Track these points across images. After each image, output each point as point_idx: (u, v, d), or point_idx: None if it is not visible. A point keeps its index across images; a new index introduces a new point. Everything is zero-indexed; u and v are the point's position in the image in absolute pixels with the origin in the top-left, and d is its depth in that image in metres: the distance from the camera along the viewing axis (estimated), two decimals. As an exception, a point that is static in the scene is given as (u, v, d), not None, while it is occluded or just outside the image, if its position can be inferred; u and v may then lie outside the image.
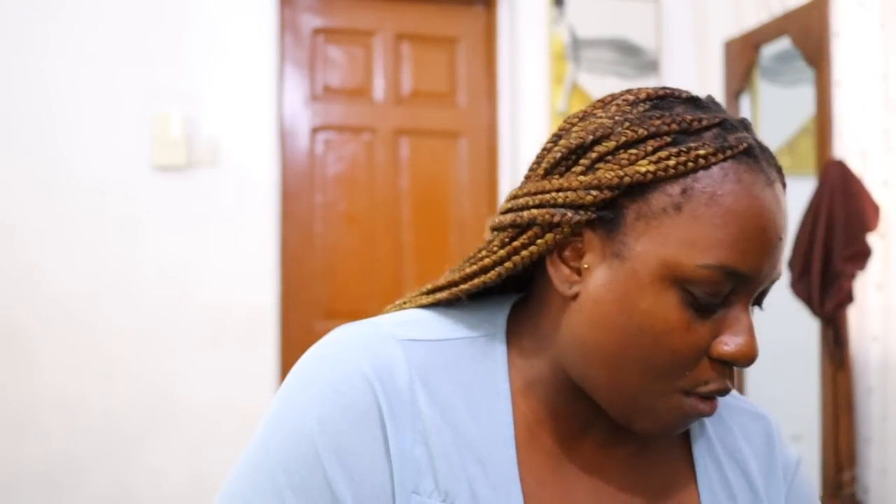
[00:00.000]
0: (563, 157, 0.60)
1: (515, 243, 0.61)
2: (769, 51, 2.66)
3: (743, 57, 2.67)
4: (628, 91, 0.62)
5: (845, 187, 2.14)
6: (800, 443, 2.75)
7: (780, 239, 0.58)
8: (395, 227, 2.84)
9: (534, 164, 0.64)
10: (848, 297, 2.14)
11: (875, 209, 2.12)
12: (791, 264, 2.28)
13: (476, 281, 0.64)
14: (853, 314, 2.20)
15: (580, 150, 0.60)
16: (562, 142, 0.61)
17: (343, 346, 0.62)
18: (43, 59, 2.46)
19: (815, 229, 2.18)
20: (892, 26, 2.12)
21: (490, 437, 0.61)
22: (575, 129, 0.61)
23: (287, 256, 2.73)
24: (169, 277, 2.52)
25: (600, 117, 0.60)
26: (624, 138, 0.58)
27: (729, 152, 0.57)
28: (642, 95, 0.61)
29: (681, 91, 0.62)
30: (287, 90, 2.78)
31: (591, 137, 0.59)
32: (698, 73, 2.99)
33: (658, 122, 0.58)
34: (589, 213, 0.58)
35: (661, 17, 3.00)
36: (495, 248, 0.63)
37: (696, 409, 0.59)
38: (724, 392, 0.59)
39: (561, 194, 0.59)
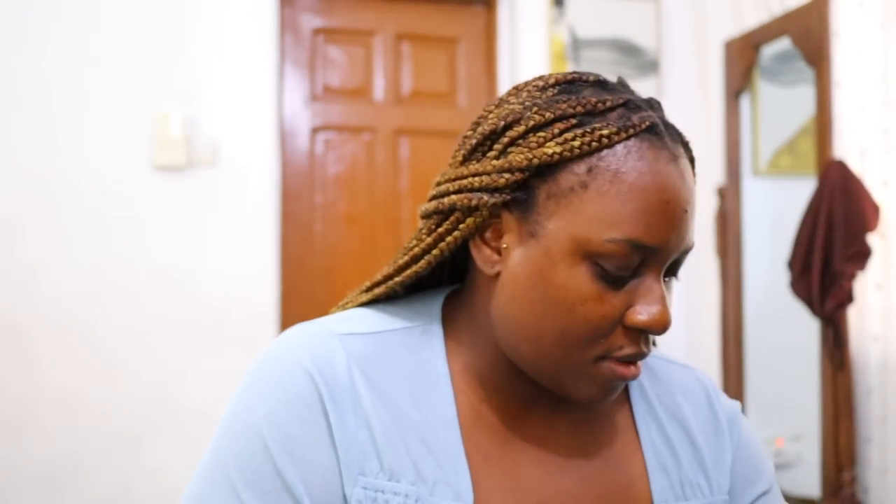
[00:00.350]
0: (478, 143, 0.64)
1: (440, 230, 0.65)
2: (769, 51, 2.66)
3: (743, 57, 2.67)
4: (539, 77, 0.66)
5: (845, 187, 2.14)
6: (800, 443, 2.75)
7: (685, 211, 0.61)
8: (395, 227, 2.84)
9: (455, 151, 0.67)
10: (848, 298, 2.14)
11: (875, 209, 2.12)
12: (791, 264, 2.28)
13: (408, 271, 0.68)
14: (853, 314, 2.20)
15: (493, 135, 0.63)
16: (479, 129, 0.65)
17: (285, 346, 0.65)
18: (43, 59, 2.46)
19: (815, 229, 2.18)
20: (892, 26, 2.12)
21: (433, 419, 0.64)
22: (490, 115, 0.65)
23: (287, 256, 2.73)
24: (169, 277, 2.52)
25: (512, 103, 0.64)
26: (532, 122, 0.62)
27: (632, 131, 0.60)
28: (551, 81, 0.64)
29: (589, 74, 0.65)
30: (287, 90, 2.78)
31: (502, 123, 0.63)
32: (698, 73, 2.99)
33: (564, 105, 0.61)
34: (503, 196, 0.62)
35: (661, 17, 3.00)
36: (423, 237, 0.67)
37: (618, 374, 0.62)
38: (640, 356, 0.62)
39: (477, 179, 0.63)
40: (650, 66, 2.97)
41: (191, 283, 2.53)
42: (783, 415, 2.79)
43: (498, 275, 0.64)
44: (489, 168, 0.62)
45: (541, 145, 0.61)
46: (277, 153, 2.69)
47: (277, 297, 2.65)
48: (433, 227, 0.66)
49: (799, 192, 2.37)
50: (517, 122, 0.62)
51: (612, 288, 0.60)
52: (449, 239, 0.65)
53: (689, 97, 3.01)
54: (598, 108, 0.61)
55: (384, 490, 0.61)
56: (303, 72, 2.81)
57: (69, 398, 2.43)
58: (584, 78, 0.64)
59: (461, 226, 0.64)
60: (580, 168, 0.60)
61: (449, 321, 0.70)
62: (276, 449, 0.61)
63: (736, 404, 0.78)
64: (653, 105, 0.64)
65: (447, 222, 0.65)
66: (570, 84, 0.64)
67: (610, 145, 0.60)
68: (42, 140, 2.46)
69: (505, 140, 0.62)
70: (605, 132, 0.60)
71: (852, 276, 2.13)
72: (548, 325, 0.61)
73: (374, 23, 2.86)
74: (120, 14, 2.51)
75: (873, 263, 2.15)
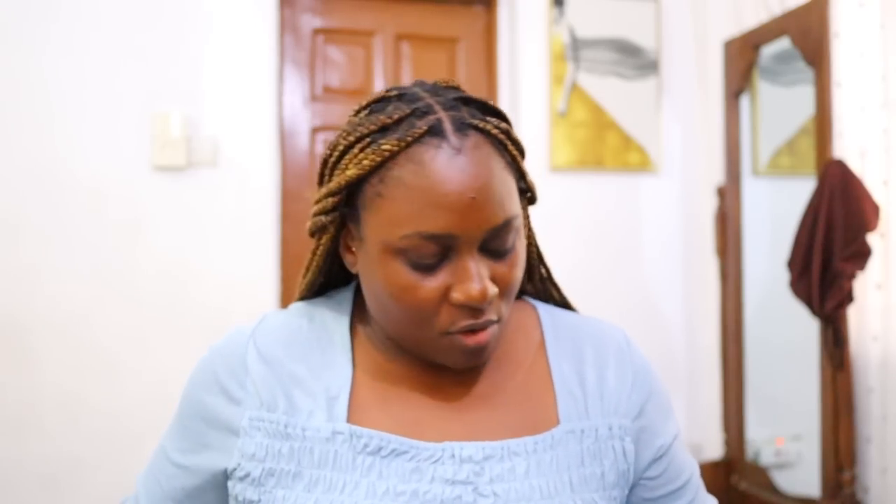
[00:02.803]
0: (321, 171, 0.78)
1: (314, 247, 0.81)
2: (769, 51, 2.66)
3: (743, 57, 2.67)
4: (363, 102, 0.77)
5: (845, 187, 2.14)
6: (800, 442, 2.75)
7: (473, 199, 0.69)
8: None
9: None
10: (848, 297, 2.14)
11: (875, 209, 2.12)
12: (791, 264, 2.28)
13: (306, 280, 0.85)
14: (853, 314, 2.20)
15: (325, 163, 0.77)
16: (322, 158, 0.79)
17: (214, 347, 0.85)
18: (43, 59, 2.46)
19: (815, 229, 2.18)
20: (891, 26, 2.13)
21: (321, 369, 0.78)
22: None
23: (287, 256, 2.74)
24: (169, 277, 2.52)
25: (340, 129, 0.76)
26: (341, 147, 0.74)
27: (410, 138, 0.69)
28: (364, 103, 0.76)
29: (398, 89, 0.75)
30: (287, 90, 2.78)
31: (327, 152, 0.76)
32: (698, 73, 2.99)
33: (363, 127, 0.72)
34: (335, 214, 0.75)
35: (660, 17, 3.00)
36: (311, 255, 0.83)
37: (466, 343, 0.72)
38: (476, 326, 0.72)
39: (317, 205, 0.77)
40: (650, 66, 2.97)
41: (191, 283, 2.53)
42: (783, 414, 2.79)
43: (359, 273, 0.77)
44: (320, 195, 0.76)
45: (347, 167, 0.72)
46: (277, 153, 2.70)
47: (277, 297, 2.65)
48: (313, 248, 0.82)
49: (798, 192, 2.37)
50: (334, 149, 0.75)
51: (425, 274, 0.70)
52: (319, 253, 0.81)
53: (689, 97, 3.01)
54: (387, 124, 0.71)
55: (263, 419, 0.75)
56: (303, 72, 2.81)
57: (69, 398, 2.43)
58: (388, 95, 0.75)
59: (321, 242, 0.79)
60: (375, 180, 0.71)
61: (358, 304, 0.84)
62: (186, 408, 0.82)
63: (648, 360, 0.87)
64: (448, 104, 0.72)
65: (315, 241, 0.80)
66: (377, 103, 0.75)
67: (393, 156, 0.70)
68: (42, 140, 2.46)
69: (329, 166, 0.76)
70: (387, 147, 0.70)
71: (852, 276, 2.13)
72: (391, 314, 0.73)
73: (374, 23, 2.86)
74: (120, 14, 2.51)
75: (873, 263, 2.15)
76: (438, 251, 0.70)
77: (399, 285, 0.71)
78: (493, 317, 0.73)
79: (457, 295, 0.70)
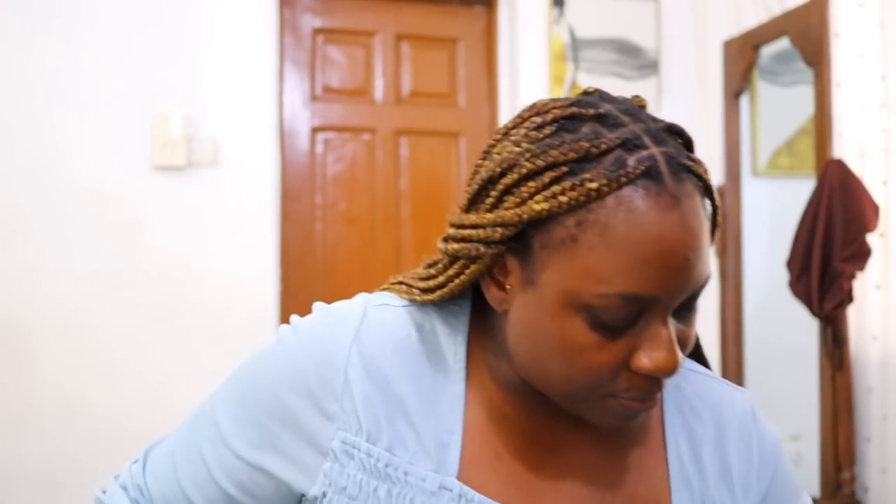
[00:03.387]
0: (478, 190, 0.64)
1: (450, 272, 0.67)
2: (768, 51, 2.66)
3: (742, 57, 2.67)
4: (539, 110, 0.64)
5: (844, 187, 2.14)
6: (799, 442, 2.75)
7: (688, 258, 0.58)
8: (395, 227, 2.84)
9: (468, 181, 0.67)
10: (847, 297, 2.14)
11: (874, 209, 2.12)
12: (790, 264, 2.28)
13: (425, 297, 0.70)
14: (852, 314, 2.20)
15: (490, 182, 0.63)
16: (478, 175, 0.65)
17: (307, 328, 0.71)
18: (43, 59, 2.46)
19: (815, 229, 2.18)
20: (891, 27, 2.13)
21: (432, 398, 0.67)
22: (494, 151, 0.65)
23: (287, 256, 2.74)
24: (169, 277, 2.52)
25: (510, 141, 0.63)
26: (525, 170, 0.60)
27: (624, 179, 0.57)
28: (549, 117, 0.62)
29: (591, 105, 0.62)
30: (287, 90, 2.78)
31: (498, 170, 0.62)
32: (698, 74, 3.00)
33: (556, 151, 0.59)
34: (500, 247, 0.62)
35: (660, 17, 3.00)
36: (440, 270, 0.69)
37: (630, 409, 0.62)
38: (649, 396, 0.62)
39: (475, 231, 0.63)
40: (650, 66, 2.98)
41: (191, 283, 2.54)
42: (782, 414, 2.78)
43: (506, 312, 0.65)
44: (485, 221, 0.63)
45: (531, 196, 0.60)
46: (277, 153, 2.70)
47: (277, 297, 2.65)
48: (445, 266, 0.68)
49: (798, 192, 2.37)
50: (511, 168, 0.61)
51: (611, 336, 0.60)
52: (457, 282, 0.67)
53: (689, 97, 3.01)
54: (591, 154, 0.59)
55: (360, 448, 0.66)
56: (303, 72, 2.81)
57: (69, 398, 2.43)
58: (583, 113, 0.61)
59: (467, 271, 0.65)
60: (570, 221, 0.59)
61: (475, 322, 0.71)
62: (258, 397, 0.70)
63: (777, 434, 0.76)
64: (658, 135, 0.61)
65: (455, 266, 0.67)
66: (567, 121, 0.61)
67: (599, 198, 0.58)
68: (42, 140, 2.46)
69: (500, 188, 0.62)
70: (594, 185, 0.57)
71: (852, 276, 2.14)
72: (552, 369, 0.62)
73: (374, 23, 2.87)
74: (120, 14, 2.51)
75: (873, 263, 2.15)
76: (634, 313, 0.59)
77: (577, 345, 0.60)
78: (665, 385, 0.63)
79: (645, 363, 0.59)
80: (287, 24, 2.79)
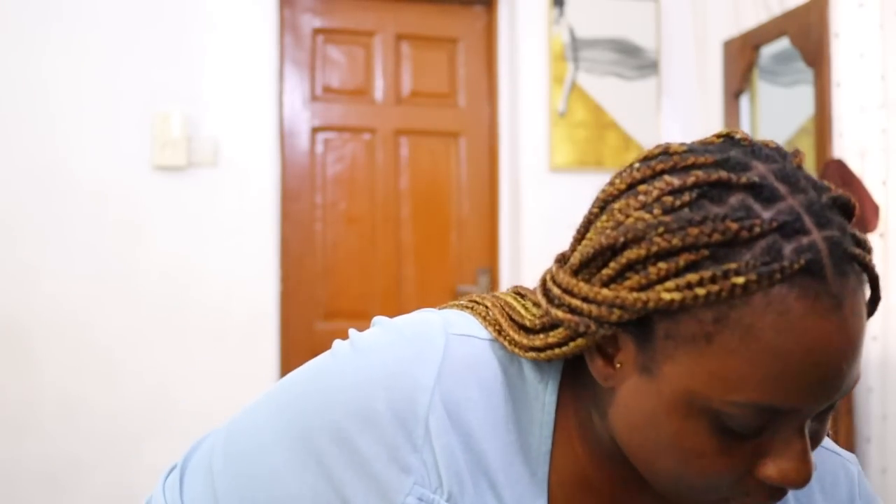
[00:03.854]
0: (594, 255, 0.54)
1: (550, 338, 0.57)
2: (768, 51, 2.66)
3: (742, 57, 2.67)
4: (675, 164, 0.53)
5: (844, 187, 2.14)
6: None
7: (841, 369, 0.49)
8: (395, 227, 2.84)
9: (577, 233, 0.58)
10: (847, 297, 2.14)
11: (874, 209, 2.12)
12: (790, 264, 2.28)
13: (513, 349, 0.60)
14: (852, 314, 2.20)
15: (610, 251, 0.53)
16: (598, 234, 0.55)
17: (385, 355, 0.60)
18: (43, 60, 2.46)
19: (815, 229, 2.18)
20: (890, 27, 2.13)
21: (516, 457, 0.60)
22: (616, 207, 0.54)
23: (287, 256, 2.74)
24: (169, 277, 2.52)
25: (639, 202, 0.52)
26: (656, 248, 0.50)
27: (778, 276, 0.47)
28: (690, 181, 0.51)
29: (742, 168, 0.51)
30: (287, 90, 2.78)
31: (622, 240, 0.52)
32: (698, 74, 3.00)
33: (697, 230, 0.49)
34: (614, 329, 0.53)
35: (660, 17, 3.00)
36: (538, 327, 0.59)
37: None
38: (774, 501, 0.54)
39: (587, 305, 0.53)
40: (650, 66, 2.98)
41: (191, 283, 2.54)
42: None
43: (612, 388, 0.56)
44: (601, 297, 0.53)
45: (661, 279, 0.50)
46: (277, 153, 2.70)
47: (277, 297, 2.65)
48: (545, 325, 0.58)
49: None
50: (638, 241, 0.51)
51: (737, 442, 0.51)
52: (557, 351, 0.57)
53: (689, 97, 3.01)
54: (740, 238, 0.48)
55: None
56: (303, 72, 2.81)
57: (69, 398, 2.43)
58: (732, 180, 0.50)
59: (571, 343, 0.56)
60: (706, 316, 0.49)
61: (567, 369, 0.62)
62: (321, 432, 0.59)
63: (876, 498, 0.70)
64: (821, 214, 0.49)
65: (557, 332, 0.57)
66: (713, 187, 0.50)
67: (745, 295, 0.48)
68: (42, 140, 2.46)
69: (623, 261, 0.52)
70: (740, 281, 0.47)
71: (852, 276, 2.13)
72: (662, 464, 0.54)
73: (374, 23, 2.87)
74: (120, 14, 2.51)
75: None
76: (768, 422, 0.50)
77: (696, 449, 0.51)
78: None
79: (773, 474, 0.51)
80: (287, 24, 2.79)
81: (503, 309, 0.63)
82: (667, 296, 0.49)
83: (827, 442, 0.68)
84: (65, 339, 2.44)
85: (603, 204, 0.56)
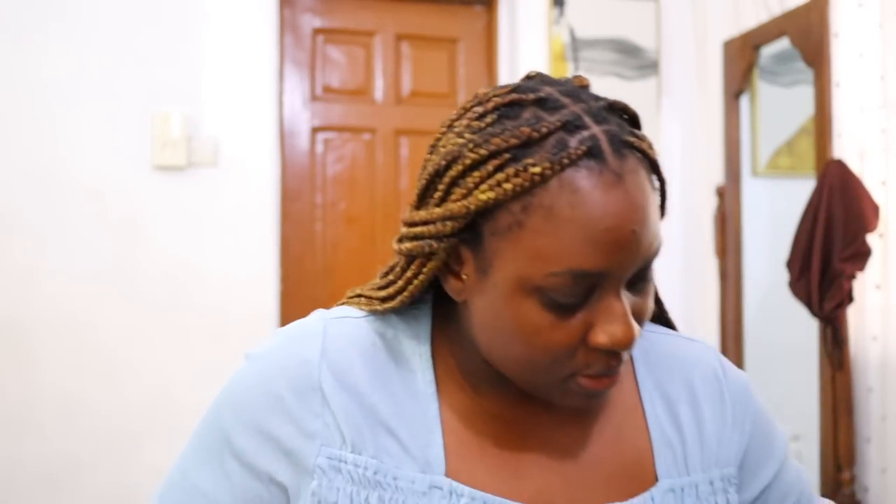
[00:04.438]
0: (426, 185, 0.65)
1: (409, 273, 0.68)
2: (768, 51, 2.66)
3: (742, 57, 2.67)
4: (479, 100, 0.65)
5: (844, 187, 2.14)
6: (799, 442, 2.75)
7: (633, 232, 0.59)
8: (395, 227, 2.82)
9: (418, 177, 0.68)
10: (847, 298, 2.14)
11: (874, 209, 2.12)
12: (790, 264, 2.28)
13: (387, 306, 0.70)
14: (852, 314, 2.20)
15: (437, 176, 0.64)
16: (425, 170, 0.66)
17: (270, 347, 0.72)
18: (43, 60, 2.46)
19: (815, 229, 2.18)
20: (890, 27, 2.13)
21: (406, 401, 0.68)
22: (439, 144, 0.65)
23: (287, 256, 2.74)
24: (169, 277, 2.52)
25: (454, 133, 0.64)
26: (469, 160, 0.61)
27: (566, 161, 0.58)
28: (490, 105, 0.63)
29: (531, 90, 0.63)
30: (287, 90, 2.78)
31: (443, 163, 0.63)
32: (698, 74, 3.00)
33: (498, 139, 0.60)
34: (452, 240, 0.63)
35: (660, 17, 3.00)
36: (399, 274, 0.70)
37: (589, 388, 0.63)
38: (609, 372, 0.63)
39: (426, 227, 0.64)
40: (650, 66, 2.98)
41: (191, 283, 2.54)
42: (782, 414, 2.78)
43: (465, 302, 0.66)
44: (434, 216, 0.63)
45: (477, 186, 0.60)
46: (277, 153, 2.70)
47: (277, 297, 2.65)
48: (403, 268, 0.69)
49: (798, 193, 2.37)
50: (455, 161, 0.62)
51: (566, 314, 0.61)
52: (416, 282, 0.67)
53: (689, 97, 3.01)
54: (533, 138, 0.59)
55: (346, 461, 0.66)
56: (303, 72, 2.81)
57: (69, 398, 2.43)
58: (523, 98, 0.62)
59: (425, 269, 0.66)
60: (516, 207, 0.59)
61: (438, 322, 0.72)
62: (239, 432, 0.69)
63: (745, 378, 0.78)
64: (599, 114, 0.61)
65: (413, 266, 0.67)
66: (508, 107, 0.62)
67: (543, 182, 0.59)
68: (42, 140, 2.46)
69: (447, 180, 0.62)
70: (536, 170, 0.58)
71: (851, 276, 2.14)
72: (513, 353, 0.63)
73: (374, 23, 2.87)
74: (120, 14, 2.51)
75: (872, 263, 2.15)
76: (585, 290, 0.60)
77: (534, 326, 0.61)
78: (626, 358, 0.65)
79: (601, 338, 0.61)
80: (287, 24, 2.79)
81: (370, 286, 0.75)
82: (482, 196, 0.60)
83: (682, 334, 0.79)
84: (65, 339, 2.45)
85: (431, 149, 0.67)
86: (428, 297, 0.73)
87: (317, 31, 2.83)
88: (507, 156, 0.59)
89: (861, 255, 2.12)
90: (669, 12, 3.02)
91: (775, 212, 2.82)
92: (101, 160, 2.49)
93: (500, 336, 0.63)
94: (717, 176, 2.84)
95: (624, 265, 0.60)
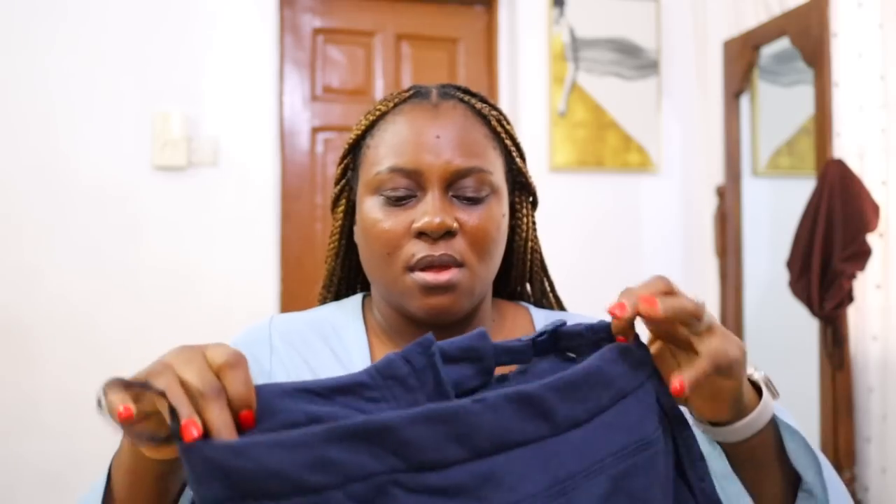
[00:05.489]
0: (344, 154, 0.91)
1: (332, 230, 0.92)
2: (768, 51, 2.66)
3: (742, 57, 2.68)
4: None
5: (844, 187, 2.14)
6: (799, 442, 2.74)
7: (437, 137, 0.79)
8: (395, 227, 2.84)
9: None
10: (847, 297, 2.15)
11: (874, 209, 2.12)
12: (790, 264, 2.28)
13: (326, 269, 0.97)
14: (852, 314, 2.20)
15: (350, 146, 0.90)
16: None
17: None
18: (44, 60, 2.46)
19: (815, 229, 2.18)
20: (890, 26, 2.13)
21: (346, 361, 0.83)
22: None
23: (287, 256, 2.74)
24: (169, 277, 2.52)
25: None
26: (359, 130, 0.87)
27: (398, 100, 0.84)
28: (391, 95, 0.88)
29: (416, 87, 0.86)
30: (287, 90, 2.78)
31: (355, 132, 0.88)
32: (698, 74, 3.00)
33: (372, 116, 0.85)
34: (343, 182, 0.89)
35: (660, 17, 3.00)
36: (330, 236, 0.94)
37: (426, 281, 0.78)
38: (435, 261, 0.77)
39: (335, 176, 0.90)
40: (650, 66, 2.98)
41: (191, 282, 2.54)
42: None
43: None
44: (339, 171, 0.89)
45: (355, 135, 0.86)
46: (277, 153, 2.70)
47: (277, 296, 2.65)
48: (333, 228, 0.92)
49: (798, 192, 2.37)
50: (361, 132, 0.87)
51: (396, 208, 0.79)
52: (336, 231, 0.90)
53: (689, 97, 3.01)
54: (393, 100, 0.84)
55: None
56: (303, 72, 2.81)
57: (70, 397, 2.43)
58: (405, 92, 0.86)
59: (337, 217, 0.89)
60: (368, 138, 0.84)
61: (367, 305, 0.91)
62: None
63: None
64: (444, 87, 0.85)
65: (333, 222, 0.91)
66: (392, 97, 0.86)
67: (383, 115, 0.84)
68: (43, 139, 2.46)
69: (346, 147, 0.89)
70: (380, 107, 0.84)
71: (852, 276, 2.14)
72: (366, 255, 0.83)
73: (374, 23, 2.87)
74: (121, 14, 2.51)
75: (873, 263, 2.15)
76: (409, 186, 0.79)
77: (372, 219, 0.80)
78: (455, 255, 0.78)
79: (417, 224, 0.77)
80: (287, 24, 2.79)
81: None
82: (351, 135, 0.87)
83: (586, 318, 0.91)
84: (66, 338, 2.45)
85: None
86: (360, 295, 0.92)
87: (317, 31, 2.83)
88: (377, 113, 0.84)
89: (861, 255, 2.12)
90: (669, 12, 3.02)
91: (775, 212, 2.82)
92: (102, 160, 2.49)
93: (364, 245, 0.82)
94: (718, 176, 2.84)
95: (432, 166, 0.78)
